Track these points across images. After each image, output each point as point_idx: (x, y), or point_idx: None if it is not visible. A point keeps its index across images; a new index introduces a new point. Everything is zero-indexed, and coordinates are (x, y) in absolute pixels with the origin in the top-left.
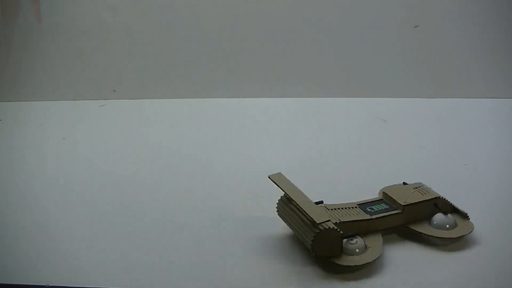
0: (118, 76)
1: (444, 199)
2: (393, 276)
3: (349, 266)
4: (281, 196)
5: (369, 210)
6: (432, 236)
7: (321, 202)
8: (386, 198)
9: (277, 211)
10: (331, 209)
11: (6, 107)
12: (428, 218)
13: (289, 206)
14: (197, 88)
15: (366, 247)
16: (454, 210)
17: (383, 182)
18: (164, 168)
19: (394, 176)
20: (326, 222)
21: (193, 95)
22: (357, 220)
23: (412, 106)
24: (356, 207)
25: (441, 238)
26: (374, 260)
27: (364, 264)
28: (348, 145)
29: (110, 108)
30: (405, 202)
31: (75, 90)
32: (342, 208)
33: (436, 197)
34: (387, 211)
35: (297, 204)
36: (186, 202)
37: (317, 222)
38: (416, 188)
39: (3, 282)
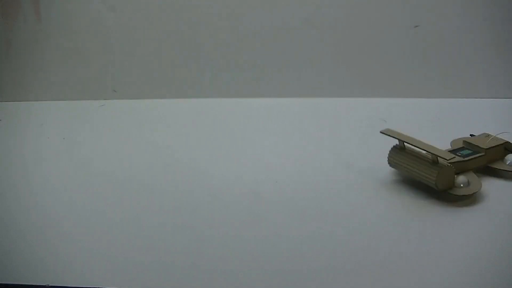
0: (118, 76)
1: (510, 142)
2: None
3: (462, 195)
4: (392, 146)
5: (459, 154)
6: (508, 171)
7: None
8: (466, 145)
9: (389, 160)
10: (436, 150)
11: (6, 107)
12: (501, 158)
13: (403, 153)
14: (198, 88)
15: (468, 182)
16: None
17: (383, 182)
18: (164, 168)
19: (394, 176)
20: (447, 161)
21: (193, 95)
22: (457, 161)
23: (412, 106)
24: (447, 151)
25: None
26: (478, 190)
27: (473, 193)
28: (348, 145)
29: (110, 108)
30: (487, 146)
31: (75, 90)
32: (440, 151)
33: (506, 142)
34: (473, 154)
35: (421, 147)
36: (186, 202)
37: (448, 158)
38: (487, 136)
39: (3, 282)
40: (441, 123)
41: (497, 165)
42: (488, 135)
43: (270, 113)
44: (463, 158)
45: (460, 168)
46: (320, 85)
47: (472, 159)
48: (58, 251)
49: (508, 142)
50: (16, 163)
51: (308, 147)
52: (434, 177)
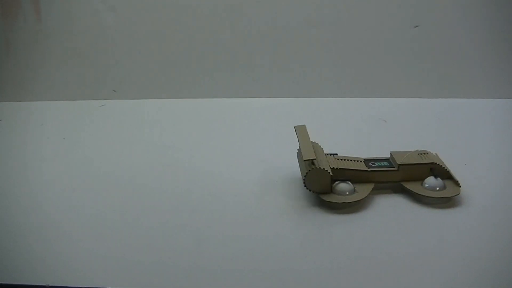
0: (118, 76)
1: (441, 165)
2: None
3: (331, 202)
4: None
5: (371, 164)
6: (418, 193)
7: (335, 154)
8: (391, 157)
9: (297, 158)
10: (339, 159)
11: (6, 107)
12: (422, 180)
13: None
14: (198, 88)
15: (354, 191)
16: (449, 177)
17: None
18: (164, 168)
19: None
20: (319, 163)
21: (193, 95)
22: (352, 169)
23: (412, 106)
24: (361, 161)
25: (425, 196)
26: (355, 201)
27: (345, 203)
28: (348, 145)
29: (110, 108)
30: (401, 162)
31: (75, 90)
32: (348, 160)
33: (432, 163)
34: (384, 167)
35: (300, 146)
36: (186, 202)
37: (304, 159)
38: (421, 153)
39: (3, 282)
40: (441, 123)
41: (410, 186)
42: (424, 153)
43: (270, 113)
44: (367, 168)
45: (361, 178)
46: (320, 85)
47: (376, 171)
48: (57, 251)
49: (436, 163)
50: (16, 163)
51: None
52: (304, 177)
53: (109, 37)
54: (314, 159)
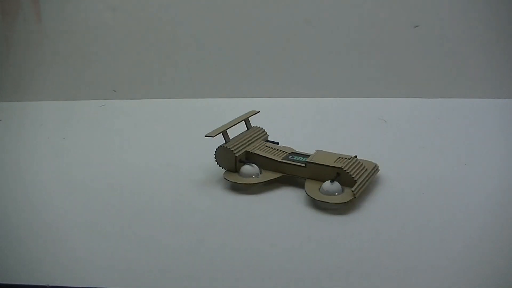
0: (118, 76)
1: (347, 172)
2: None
3: (230, 181)
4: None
5: (290, 157)
6: (307, 193)
7: (276, 143)
8: (312, 155)
9: None
10: (268, 146)
11: (6, 107)
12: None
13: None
14: (197, 88)
15: (258, 175)
16: (353, 184)
17: (382, 181)
18: (164, 168)
19: (394, 175)
20: (227, 144)
21: (193, 95)
22: (263, 156)
23: (412, 106)
24: (285, 153)
25: (309, 196)
26: (250, 184)
27: (243, 183)
28: (348, 145)
29: (110, 108)
30: (310, 160)
31: (75, 90)
32: (273, 149)
33: (338, 167)
34: (295, 162)
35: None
36: (186, 202)
37: (205, 135)
38: (343, 158)
39: (3, 282)
40: (441, 123)
41: (307, 185)
42: (347, 158)
43: (270, 113)
44: (280, 159)
45: (272, 167)
46: (320, 86)
47: (284, 163)
48: (58, 251)
49: (341, 168)
50: (16, 163)
51: (308, 147)
52: (214, 152)
53: (109, 37)
54: (212, 136)
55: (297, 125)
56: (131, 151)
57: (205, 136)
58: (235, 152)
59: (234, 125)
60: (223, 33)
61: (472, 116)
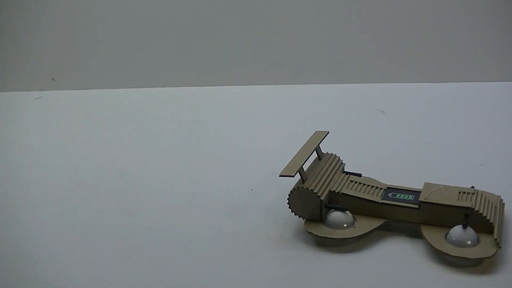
0: (57, 63)
1: (480, 213)
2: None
3: (312, 234)
4: None
5: (390, 195)
6: (432, 245)
7: (359, 174)
8: (422, 190)
9: None
10: (353, 181)
11: None
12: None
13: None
14: (147, 77)
15: (354, 224)
16: (490, 231)
17: (385, 175)
18: (110, 168)
19: (400, 165)
20: (306, 184)
21: (141, 84)
22: (357, 197)
23: (414, 91)
24: (381, 189)
25: (441, 251)
26: (344, 238)
27: (332, 238)
28: (348, 135)
29: (47, 100)
30: (425, 199)
31: (6, 79)
32: (364, 184)
33: (468, 207)
34: (403, 202)
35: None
36: (134, 202)
37: (280, 174)
38: (463, 192)
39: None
40: (448, 108)
41: (429, 233)
42: (468, 192)
43: (268, 100)
44: (379, 200)
45: (368, 210)
46: (319, 72)
47: (388, 204)
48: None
49: (471, 209)
50: None
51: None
52: (287, 197)
53: (46, 19)
54: (292, 176)
55: (293, 112)
56: (71, 150)
57: (280, 176)
58: (319, 194)
59: (309, 157)
60: (204, 17)
61: (479, 100)
